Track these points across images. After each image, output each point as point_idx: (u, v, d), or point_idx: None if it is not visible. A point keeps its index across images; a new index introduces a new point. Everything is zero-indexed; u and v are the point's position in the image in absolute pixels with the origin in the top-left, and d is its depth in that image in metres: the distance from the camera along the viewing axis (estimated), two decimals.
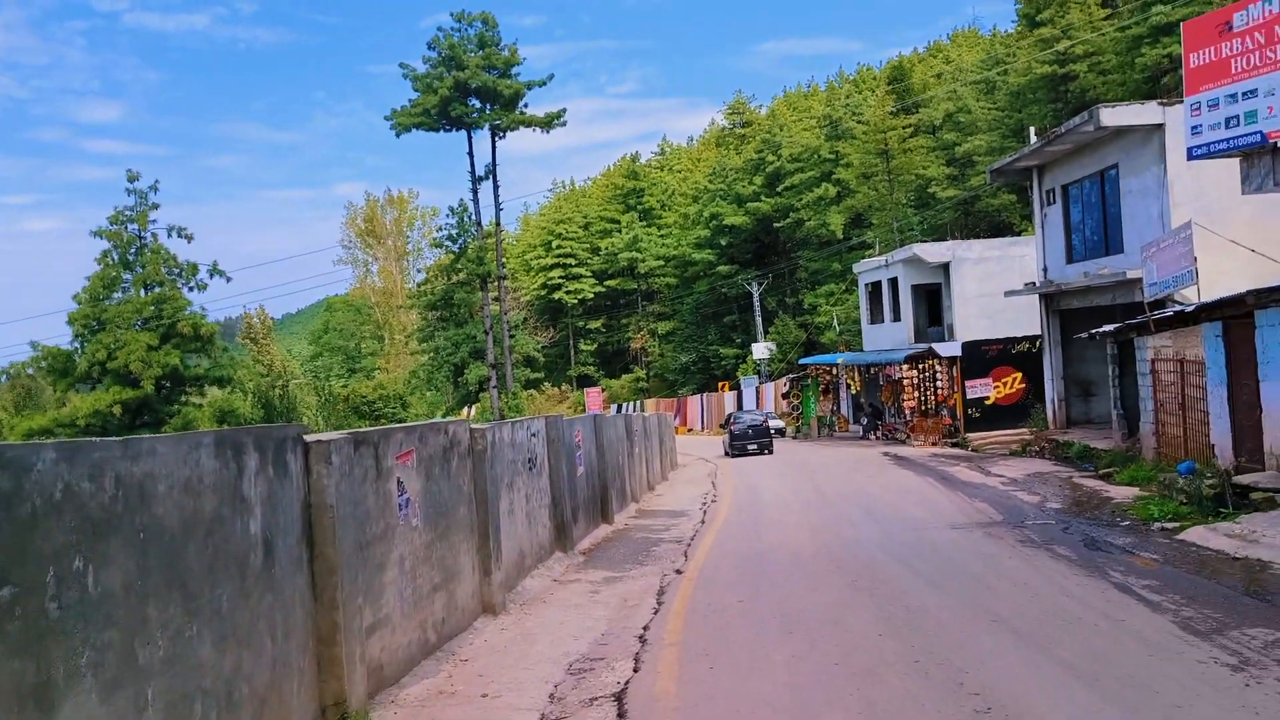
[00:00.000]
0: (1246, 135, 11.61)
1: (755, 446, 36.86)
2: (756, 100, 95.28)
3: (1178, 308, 18.64)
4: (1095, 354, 28.60)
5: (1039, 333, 35.90)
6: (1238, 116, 11.68)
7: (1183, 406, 17.15)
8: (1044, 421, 28.79)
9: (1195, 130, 12.22)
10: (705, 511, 18.56)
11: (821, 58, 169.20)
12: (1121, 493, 16.88)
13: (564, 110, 54.86)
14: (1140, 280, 21.84)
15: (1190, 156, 12.40)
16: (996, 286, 36.61)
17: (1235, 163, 22.18)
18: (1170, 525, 12.73)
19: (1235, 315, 14.18)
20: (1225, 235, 17.71)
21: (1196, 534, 11.76)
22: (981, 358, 35.90)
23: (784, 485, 22.71)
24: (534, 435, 12.34)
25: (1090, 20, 50.23)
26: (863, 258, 60.26)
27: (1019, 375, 36.07)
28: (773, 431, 47.11)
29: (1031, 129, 28.96)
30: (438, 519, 8.48)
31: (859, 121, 66.92)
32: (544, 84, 53.90)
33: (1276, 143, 11.45)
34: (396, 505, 7.53)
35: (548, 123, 54.20)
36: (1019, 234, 45.32)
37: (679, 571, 12.00)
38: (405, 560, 7.65)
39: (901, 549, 12.37)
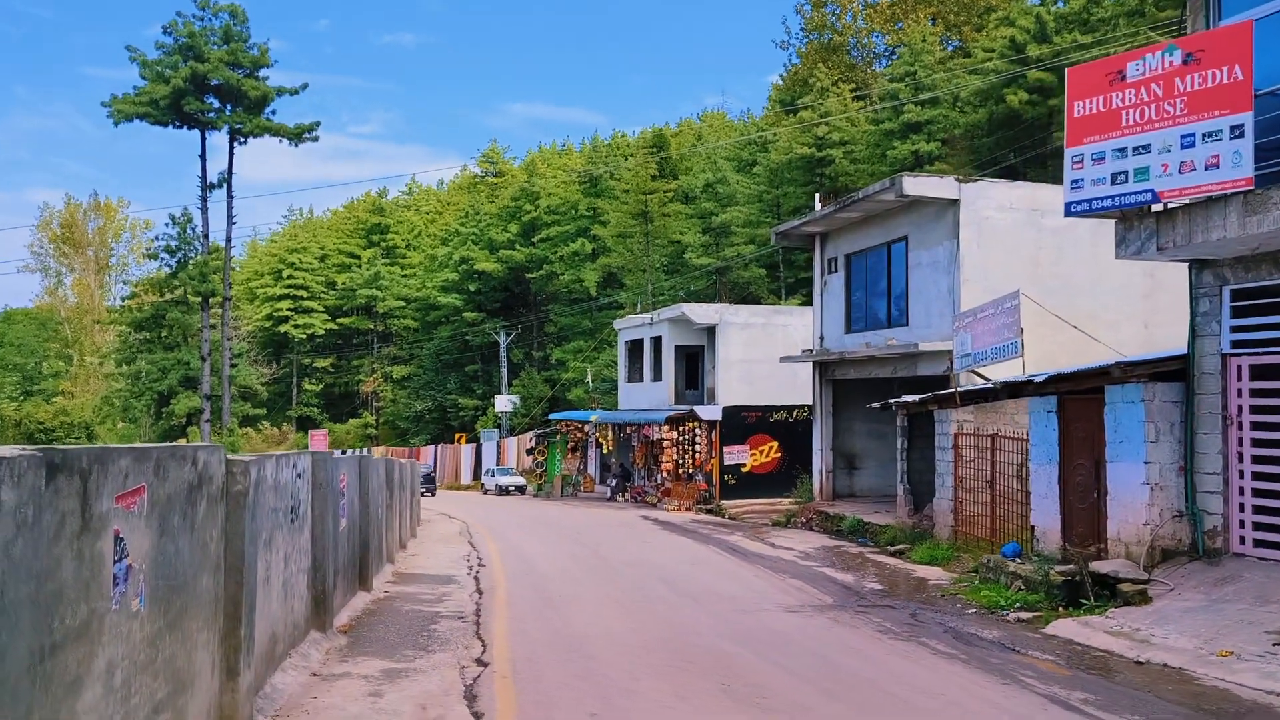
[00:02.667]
0: (1136, 193, 10.74)
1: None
2: (511, 153, 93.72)
3: (981, 384, 18.16)
4: (862, 426, 28.46)
5: (802, 402, 36.00)
6: (1126, 172, 10.80)
7: (991, 484, 16.42)
8: (809, 493, 28.13)
9: (1076, 185, 11.27)
10: (477, 579, 15.78)
11: (572, 124, 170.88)
12: (929, 573, 15.82)
13: (318, 124, 50.45)
14: (925, 353, 21.55)
15: (1068, 213, 11.45)
16: (760, 353, 36.39)
17: (1021, 242, 22.62)
18: (1025, 616, 11.49)
19: (1074, 391, 13.43)
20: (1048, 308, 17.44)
21: (1067, 628, 10.50)
22: (741, 424, 35.34)
23: (556, 549, 20.26)
24: (299, 476, 9.27)
25: (845, 109, 52.56)
26: (615, 317, 59.57)
27: (775, 444, 35.82)
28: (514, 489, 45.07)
29: (817, 196, 28.77)
30: (171, 597, 5.44)
31: (615, 179, 66.75)
32: (296, 92, 49.38)
33: (1168, 203, 10.61)
34: (110, 578, 4.51)
35: (298, 134, 49.51)
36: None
37: (481, 663, 9.27)
38: (117, 670, 4.61)
39: (750, 639, 10.29)
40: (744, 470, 35.33)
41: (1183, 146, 10.44)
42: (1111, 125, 11.01)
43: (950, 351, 21.08)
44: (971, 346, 16.96)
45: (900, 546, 18.90)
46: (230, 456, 6.63)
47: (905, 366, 23.30)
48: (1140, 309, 21.69)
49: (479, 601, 13.28)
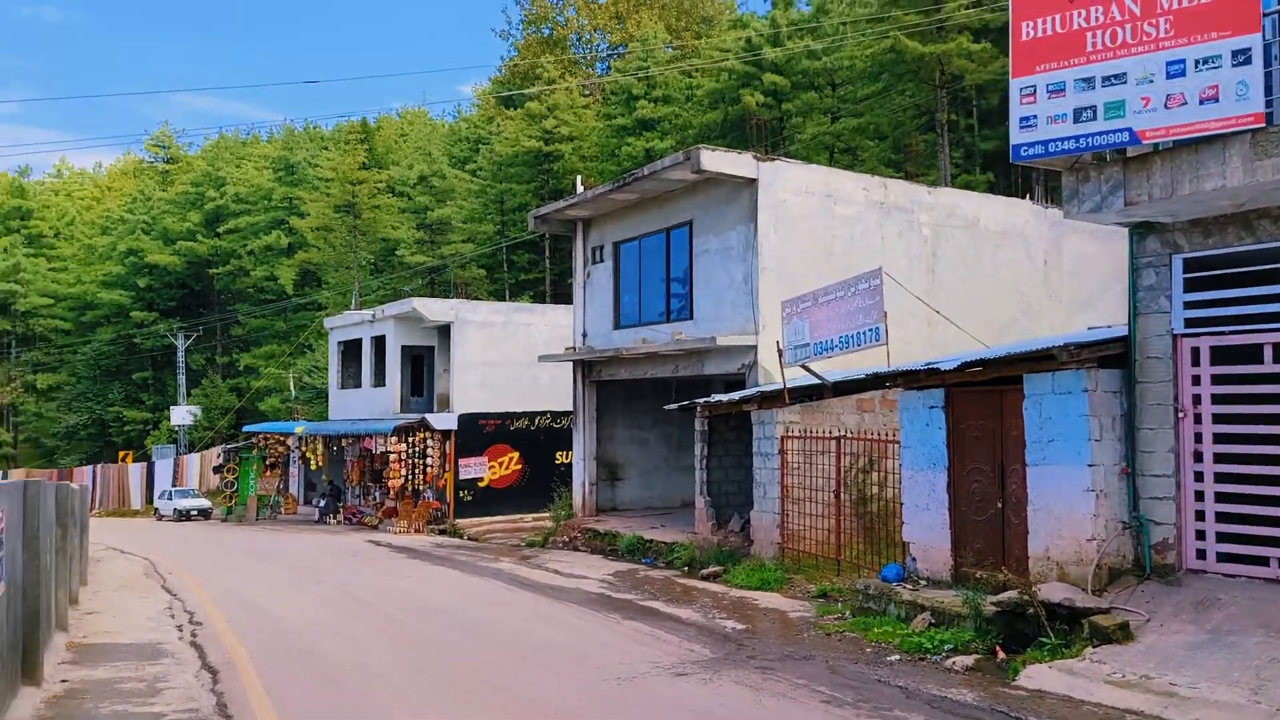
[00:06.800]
0: (1108, 133, 8.74)
1: None
2: (185, 137, 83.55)
3: (809, 380, 16.06)
4: (625, 433, 25.91)
5: (546, 408, 33.00)
6: (1094, 107, 8.81)
7: (836, 494, 14.25)
8: (568, 508, 25.17)
9: (1027, 123, 9.15)
10: (199, 647, 11.38)
11: (249, 121, 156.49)
12: (771, 601, 13.38)
13: None
14: (719, 349, 19.34)
15: (1016, 156, 9.31)
16: (499, 355, 33.14)
17: (817, 228, 20.80)
18: (967, 661, 9.17)
19: (969, 383, 11.41)
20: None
21: (1050, 679, 8.26)
22: (479, 433, 31.82)
23: (292, 591, 15.92)
24: None
25: (573, 105, 50.43)
26: (313, 318, 53.64)
27: (516, 455, 32.60)
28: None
29: (579, 178, 25.94)
30: None
31: (315, 166, 60.59)
32: None
33: (1158, 144, 8.67)
34: None
35: None
36: None
37: None
38: None
39: None
40: (481, 485, 31.82)
41: (1169, 76, 8.56)
42: (1073, 50, 8.96)
43: (750, 347, 19.05)
44: (810, 336, 14.75)
45: (712, 569, 16.36)
46: None
47: (690, 365, 20.98)
48: (924, 306, 20.58)
49: (219, 690, 9.09)
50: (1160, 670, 7.88)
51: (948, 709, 7.69)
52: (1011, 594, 9.49)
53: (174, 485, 47.18)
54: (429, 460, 31.63)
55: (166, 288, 63.57)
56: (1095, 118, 8.85)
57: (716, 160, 19.20)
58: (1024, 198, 26.94)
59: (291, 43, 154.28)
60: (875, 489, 14.09)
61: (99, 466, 57.11)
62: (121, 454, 57.28)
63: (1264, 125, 8.09)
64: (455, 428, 31.36)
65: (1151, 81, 8.61)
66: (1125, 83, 8.73)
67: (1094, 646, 8.63)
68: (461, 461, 31.61)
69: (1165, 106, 8.54)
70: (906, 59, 33.43)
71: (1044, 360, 10.09)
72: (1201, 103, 8.36)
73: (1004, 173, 36.93)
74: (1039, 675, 8.35)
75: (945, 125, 34.66)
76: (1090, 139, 8.90)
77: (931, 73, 33.88)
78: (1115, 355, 10.04)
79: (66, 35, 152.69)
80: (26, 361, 71.77)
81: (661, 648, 10.35)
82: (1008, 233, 22.79)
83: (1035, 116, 9.21)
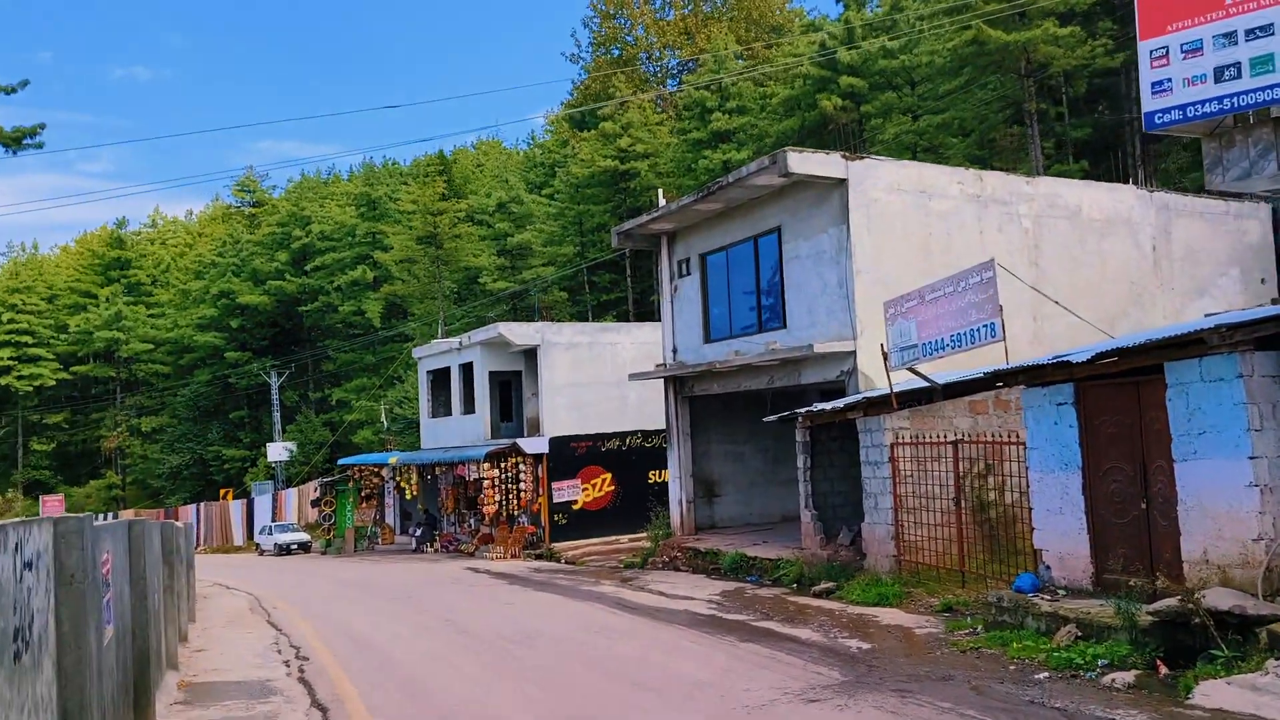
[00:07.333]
0: (1255, 90, 7.95)
1: None
2: (269, 182, 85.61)
3: (916, 384, 15.31)
4: (720, 449, 25.31)
5: (635, 428, 32.59)
6: (1238, 64, 8.07)
7: (957, 502, 13.46)
8: (665, 527, 24.64)
9: (1160, 88, 8.49)
10: (307, 684, 11.16)
11: (327, 160, 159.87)
12: (892, 617, 12.66)
13: (42, 126, 42.17)
14: (816, 357, 18.66)
15: (1150, 125, 8.68)
16: (586, 376, 32.83)
17: (911, 226, 19.82)
18: (1128, 678, 8.39)
19: (1101, 376, 10.60)
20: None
21: (1233, 698, 7.48)
22: (570, 456, 31.55)
23: (397, 624, 15.69)
24: (29, 567, 4.74)
25: (646, 123, 50.21)
26: (401, 350, 54.22)
27: (609, 476, 32.24)
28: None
29: (659, 191, 25.55)
30: None
31: (394, 201, 61.39)
32: (14, 90, 41.20)
33: None
34: None
35: (17, 140, 41.33)
36: None
37: None
38: None
39: None
40: (575, 508, 31.52)
41: None
42: (1209, 4, 8.19)
43: (848, 353, 18.36)
44: (917, 336, 14.01)
45: (824, 585, 15.67)
46: None
47: (785, 375, 20.35)
48: (1030, 298, 19.56)
49: None
50: None
51: None
52: (1171, 602, 8.67)
53: (273, 520, 47.97)
54: (522, 485, 31.46)
55: (258, 327, 65.08)
56: (1240, 75, 8.11)
57: (804, 162, 18.60)
58: (1126, 183, 25.69)
59: (363, 85, 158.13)
60: (994, 494, 13.29)
61: (202, 505, 58.55)
62: (223, 491, 58.63)
63: None
64: (546, 451, 31.14)
65: None
66: (1274, 34, 7.95)
67: (1276, 659, 7.77)
68: (554, 485, 31.36)
69: None
70: (989, 49, 32.35)
71: (1190, 345, 9.27)
72: None
73: (1097, 161, 35.50)
74: (1216, 693, 7.54)
75: (1034, 115, 33.41)
76: (1235, 99, 8.12)
77: (1016, 62, 32.72)
78: (1271, 336, 9.16)
79: (157, 91, 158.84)
80: (131, 406, 74.24)
81: (786, 671, 9.75)
82: (1112, 220, 21.62)
83: (1169, 80, 8.50)
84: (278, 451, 55.60)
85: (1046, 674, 8.89)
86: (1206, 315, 16.67)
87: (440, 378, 37.61)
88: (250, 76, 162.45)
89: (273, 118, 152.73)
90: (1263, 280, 23.63)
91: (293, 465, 56.06)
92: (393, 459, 38.94)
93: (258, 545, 44.73)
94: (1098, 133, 35.19)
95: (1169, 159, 32.52)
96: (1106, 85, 34.89)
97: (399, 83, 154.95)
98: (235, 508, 55.05)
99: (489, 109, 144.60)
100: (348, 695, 10.27)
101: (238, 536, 53.55)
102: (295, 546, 41.14)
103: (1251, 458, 8.94)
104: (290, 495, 51.89)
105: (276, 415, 57.93)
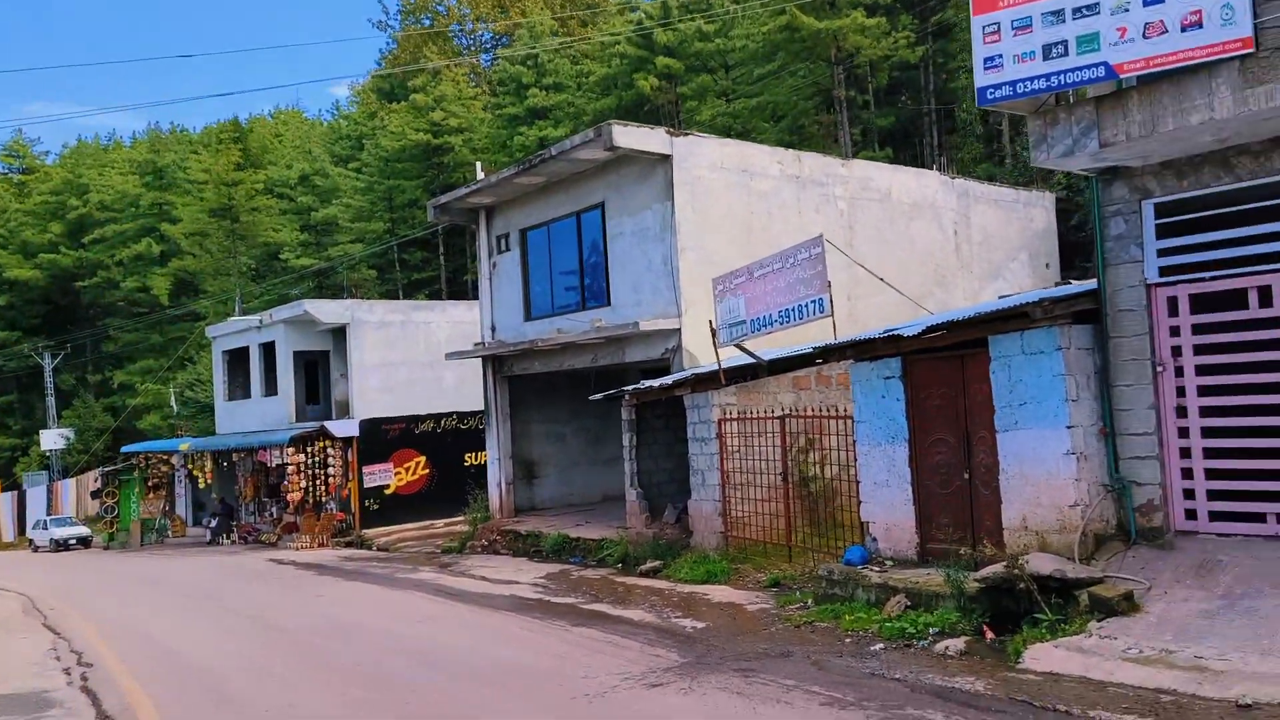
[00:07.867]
0: (1080, 69, 8.13)
1: None
2: (42, 146, 78.18)
3: (743, 360, 15.28)
4: (541, 430, 24.82)
5: (450, 409, 31.61)
6: (1064, 42, 8.22)
7: (785, 476, 13.52)
8: (484, 510, 23.98)
9: (992, 63, 8.50)
10: (92, 695, 9.95)
11: (106, 128, 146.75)
12: (724, 594, 12.57)
13: None
14: (642, 334, 18.47)
15: (983, 100, 8.65)
16: (399, 356, 31.59)
17: (734, 205, 19.88)
18: (960, 645, 8.50)
19: (927, 350, 10.78)
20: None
21: (1062, 660, 7.62)
22: (382, 439, 30.33)
23: (197, 623, 14.39)
24: None
25: (460, 96, 48.83)
26: (192, 330, 50.72)
27: (423, 459, 31.22)
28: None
29: (479, 165, 24.63)
30: None
31: (184, 170, 57.27)
32: None
33: (1122, 80, 8.10)
34: None
35: None
36: None
37: None
38: None
39: None
40: (388, 492, 30.35)
41: (1146, 3, 8.01)
42: None
43: (673, 330, 18.24)
44: (746, 312, 13.94)
45: (651, 564, 15.48)
46: None
47: (610, 353, 20.08)
48: (845, 277, 20.04)
49: None
50: (1181, 642, 7.32)
51: (963, 701, 6.96)
52: (996, 569, 8.85)
53: (49, 514, 44.00)
54: (330, 470, 29.95)
55: (29, 304, 59.42)
56: (1067, 53, 8.26)
57: (629, 136, 18.29)
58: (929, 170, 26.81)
59: (149, 44, 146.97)
60: (816, 469, 13.42)
61: None
62: None
63: (1253, 50, 7.58)
64: (357, 434, 29.78)
65: (1128, 10, 8.05)
66: (1099, 13, 8.15)
67: (1098, 620, 8.04)
68: (365, 469, 30.06)
69: (1144, 36, 7.99)
70: (801, 35, 33.10)
71: (1013, 320, 9.51)
72: (1184, 30, 7.82)
73: (900, 149, 37.01)
74: (1045, 655, 7.71)
75: (844, 103, 34.48)
76: (1062, 76, 8.29)
77: (827, 49, 33.63)
78: (1087, 311, 9.50)
79: None
80: None
81: (624, 655, 9.41)
82: (919, 204, 22.52)
83: (1000, 56, 8.58)
84: (53, 439, 51.04)
85: (881, 645, 8.93)
86: (1000, 297, 17.50)
87: (238, 358, 35.33)
88: (19, 32, 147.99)
89: (45, 81, 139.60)
90: (1047, 265, 25.30)
91: (70, 454, 51.61)
92: (184, 445, 36.33)
93: (31, 541, 40.87)
94: (900, 122, 36.69)
95: (963, 150, 34.23)
96: (907, 78, 36.41)
97: (191, 47, 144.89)
98: (5, 500, 50.19)
99: (288, 73, 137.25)
100: (140, 704, 9.20)
101: (8, 532, 48.86)
102: (74, 541, 37.82)
103: (1069, 427, 9.25)
104: (68, 486, 47.77)
105: (51, 400, 53.07)
